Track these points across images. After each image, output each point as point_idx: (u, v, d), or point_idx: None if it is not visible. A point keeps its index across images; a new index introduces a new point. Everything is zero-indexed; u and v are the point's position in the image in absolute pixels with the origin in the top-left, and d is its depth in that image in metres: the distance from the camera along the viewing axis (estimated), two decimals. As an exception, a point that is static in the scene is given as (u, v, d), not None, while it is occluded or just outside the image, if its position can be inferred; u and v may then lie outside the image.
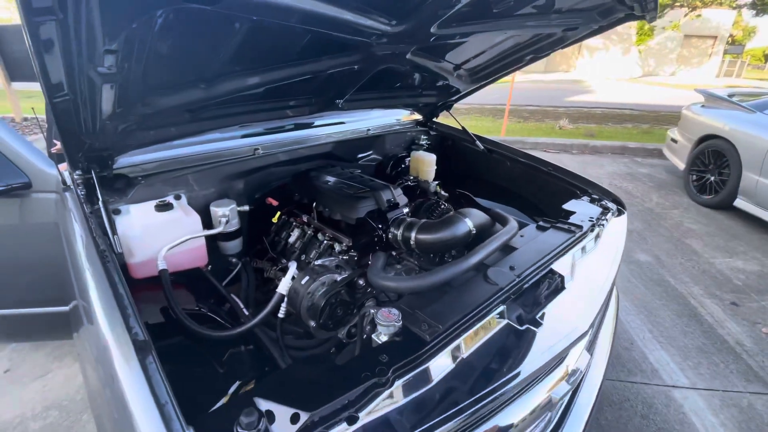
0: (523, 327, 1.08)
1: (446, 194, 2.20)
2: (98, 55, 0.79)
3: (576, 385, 1.23)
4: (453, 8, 1.16)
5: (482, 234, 1.43)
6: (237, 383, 1.17)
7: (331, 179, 1.77)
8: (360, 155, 2.23)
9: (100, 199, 1.24)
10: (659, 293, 2.89)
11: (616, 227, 1.67)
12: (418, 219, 1.50)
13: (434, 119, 2.51)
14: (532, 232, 1.51)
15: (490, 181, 2.29)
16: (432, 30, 1.28)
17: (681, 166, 4.75)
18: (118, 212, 1.40)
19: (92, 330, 0.94)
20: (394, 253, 1.59)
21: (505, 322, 1.08)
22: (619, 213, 1.78)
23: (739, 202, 3.91)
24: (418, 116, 2.56)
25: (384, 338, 0.99)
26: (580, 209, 1.68)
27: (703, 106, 4.62)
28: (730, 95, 4.44)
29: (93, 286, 0.98)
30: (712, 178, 4.27)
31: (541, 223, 1.58)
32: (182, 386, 0.80)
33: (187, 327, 1.18)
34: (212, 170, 1.64)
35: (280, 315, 1.34)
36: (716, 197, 4.18)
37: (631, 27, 19.25)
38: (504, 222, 1.47)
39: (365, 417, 0.80)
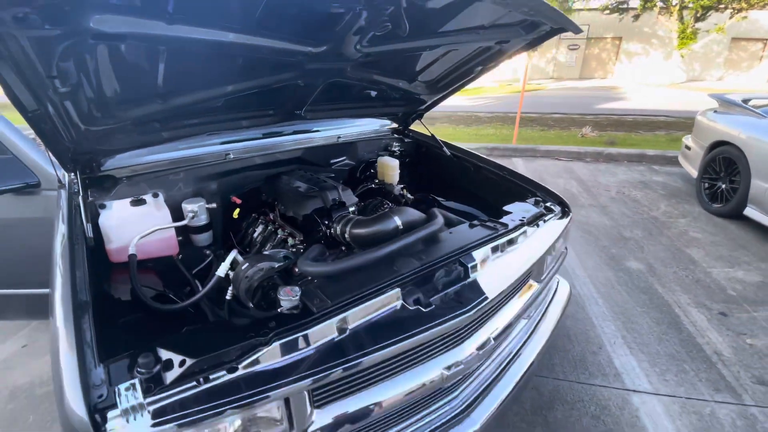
0: (413, 308, 1.21)
1: (412, 197, 2.35)
2: (44, 78, 1.03)
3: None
4: (366, 33, 1.33)
5: (408, 230, 1.57)
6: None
7: (295, 181, 1.97)
8: (333, 160, 2.43)
9: (80, 193, 1.50)
10: (642, 301, 2.85)
11: (554, 227, 1.76)
12: (353, 216, 1.66)
13: (407, 127, 2.67)
14: (462, 229, 1.63)
15: (457, 185, 2.41)
16: (356, 48, 1.45)
17: (694, 173, 4.58)
18: (103, 206, 1.67)
19: (52, 297, 1.18)
20: (344, 248, 1.76)
21: (399, 303, 1.22)
22: (564, 215, 1.86)
23: (749, 211, 3.74)
24: (394, 125, 2.73)
25: (287, 311, 1.17)
26: (518, 210, 1.78)
27: (716, 111, 4.46)
28: (745, 100, 4.26)
29: (59, 261, 1.21)
30: (723, 186, 4.10)
31: (474, 222, 1.69)
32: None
33: (142, 301, 1.40)
34: (188, 172, 1.90)
35: (228, 297, 1.54)
36: (726, 206, 4.01)
37: (672, 31, 18.40)
38: (432, 218, 1.60)
39: (243, 369, 0.97)
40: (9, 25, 0.88)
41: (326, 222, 1.75)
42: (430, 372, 1.23)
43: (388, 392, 1.17)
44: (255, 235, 1.95)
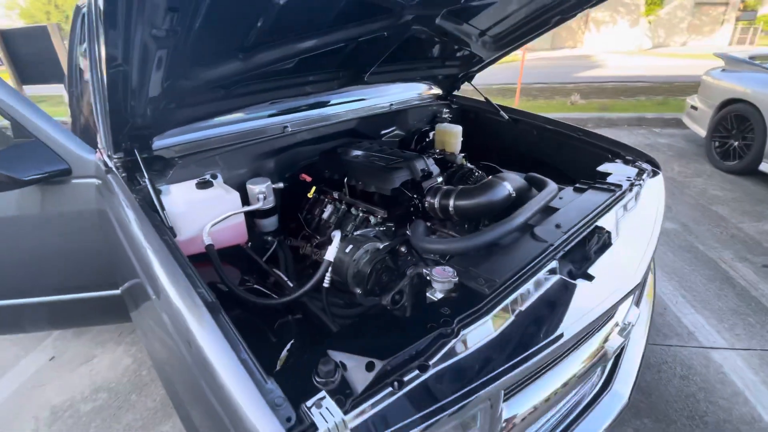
0: (576, 281, 1.08)
1: (472, 167, 2.19)
2: (160, 13, 0.79)
3: (626, 338, 1.23)
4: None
5: (520, 198, 1.42)
6: (289, 344, 1.20)
7: (360, 154, 1.77)
8: (383, 131, 2.22)
9: (146, 177, 1.25)
10: (688, 259, 2.86)
11: (654, 187, 1.65)
12: (454, 186, 1.49)
13: (454, 92, 2.48)
14: (570, 194, 1.50)
15: (516, 152, 2.27)
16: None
17: (702, 133, 4.64)
18: (160, 192, 1.42)
19: (160, 303, 0.96)
20: (429, 224, 1.59)
21: (557, 277, 1.08)
22: (654, 174, 1.76)
23: (765, 166, 3.82)
24: (437, 90, 2.53)
25: (440, 295, 1.00)
26: (616, 171, 1.66)
27: (723, 70, 4.50)
28: (752, 57, 4.31)
29: (156, 261, 0.99)
30: (736, 144, 4.17)
31: (578, 185, 1.56)
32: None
33: (240, 298, 1.20)
34: (244, 149, 1.65)
35: (325, 284, 1.36)
36: (740, 162, 4.08)
37: (639, -3, 18.70)
38: (542, 184, 1.46)
39: (434, 365, 0.81)
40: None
41: (415, 195, 1.57)
42: (598, 340, 1.11)
43: (563, 374, 1.04)
44: (326, 216, 1.74)
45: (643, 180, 1.62)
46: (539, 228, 1.20)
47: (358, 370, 0.78)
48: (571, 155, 2.03)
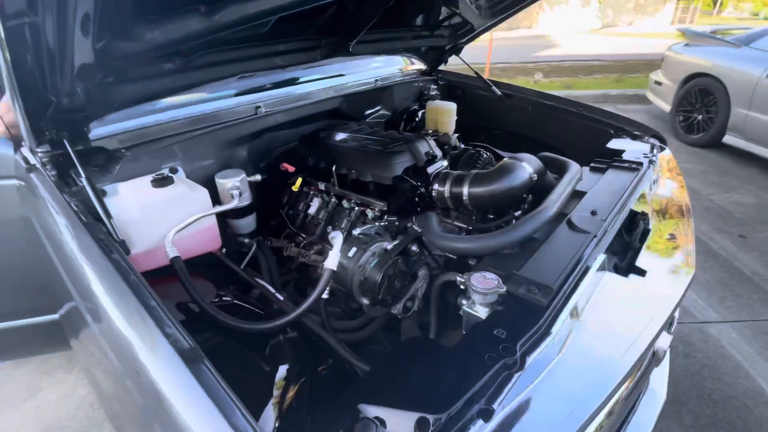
0: (628, 277, 0.93)
1: (479, 148, 2.01)
2: None
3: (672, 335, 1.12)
4: None
5: (542, 179, 1.26)
6: (282, 375, 0.98)
7: (349, 137, 1.52)
8: (368, 111, 1.98)
9: (83, 175, 0.96)
10: (671, 234, 2.88)
11: (669, 163, 1.55)
12: (466, 171, 1.30)
13: (439, 66, 2.27)
14: (589, 175, 1.35)
15: (510, 131, 2.11)
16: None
17: (666, 108, 4.74)
18: (104, 194, 1.12)
19: (103, 330, 0.71)
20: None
21: (606, 274, 0.93)
22: (661, 149, 1.66)
23: (729, 138, 3.95)
24: (420, 65, 2.30)
25: (481, 309, 0.81)
26: (628, 147, 1.54)
27: (687, 45, 4.58)
28: (713, 32, 4.40)
29: (103, 293, 0.73)
30: (699, 117, 4.29)
31: (593, 164, 1.42)
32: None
33: (219, 322, 0.95)
34: (210, 136, 1.36)
35: (324, 295, 1.13)
36: (705, 135, 4.20)
37: (589, -23, 19.12)
38: (562, 165, 1.30)
39: (501, 409, 0.63)
40: None
41: (419, 183, 1.36)
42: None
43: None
44: (312, 211, 1.49)
45: (656, 156, 1.51)
46: (576, 216, 1.04)
47: (404, 429, 0.58)
48: (571, 132, 1.89)
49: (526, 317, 0.75)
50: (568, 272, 0.85)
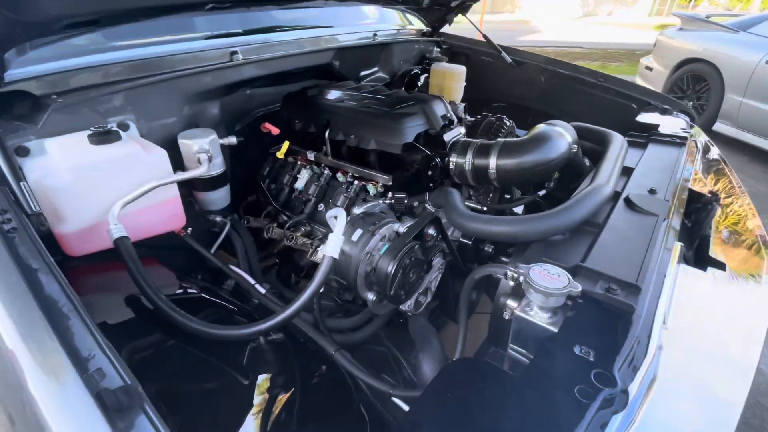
0: (706, 271, 0.75)
1: (502, 116, 1.79)
2: None
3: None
4: None
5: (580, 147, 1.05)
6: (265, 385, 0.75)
7: (345, 96, 1.26)
8: (364, 72, 1.71)
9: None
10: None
11: (702, 138, 1.39)
12: (492, 140, 1.08)
13: (442, 26, 2.02)
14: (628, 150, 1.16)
15: (520, 102, 1.91)
16: None
17: (657, 94, 4.67)
18: (26, 152, 0.83)
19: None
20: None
21: (679, 267, 0.74)
22: (690, 126, 1.50)
23: (719, 126, 3.90)
24: (420, 25, 2.04)
25: (541, 315, 0.61)
26: (663, 122, 1.36)
27: (680, 29, 4.48)
28: (708, 17, 4.32)
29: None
30: (690, 104, 4.22)
31: (629, 138, 1.23)
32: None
33: (180, 324, 0.71)
34: (172, 84, 1.07)
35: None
36: (695, 123, 4.15)
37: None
38: (602, 137, 1.10)
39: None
40: None
41: (434, 152, 1.13)
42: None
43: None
44: (300, 185, 1.24)
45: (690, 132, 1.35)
46: (635, 195, 0.84)
47: None
48: (588, 104, 1.71)
49: (609, 328, 0.55)
50: (647, 265, 0.65)
